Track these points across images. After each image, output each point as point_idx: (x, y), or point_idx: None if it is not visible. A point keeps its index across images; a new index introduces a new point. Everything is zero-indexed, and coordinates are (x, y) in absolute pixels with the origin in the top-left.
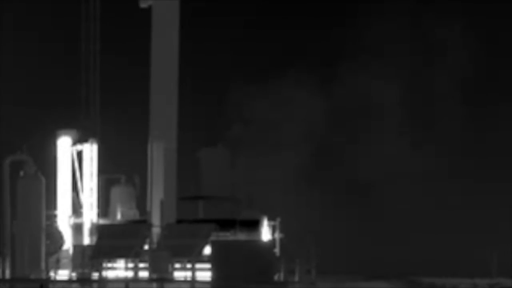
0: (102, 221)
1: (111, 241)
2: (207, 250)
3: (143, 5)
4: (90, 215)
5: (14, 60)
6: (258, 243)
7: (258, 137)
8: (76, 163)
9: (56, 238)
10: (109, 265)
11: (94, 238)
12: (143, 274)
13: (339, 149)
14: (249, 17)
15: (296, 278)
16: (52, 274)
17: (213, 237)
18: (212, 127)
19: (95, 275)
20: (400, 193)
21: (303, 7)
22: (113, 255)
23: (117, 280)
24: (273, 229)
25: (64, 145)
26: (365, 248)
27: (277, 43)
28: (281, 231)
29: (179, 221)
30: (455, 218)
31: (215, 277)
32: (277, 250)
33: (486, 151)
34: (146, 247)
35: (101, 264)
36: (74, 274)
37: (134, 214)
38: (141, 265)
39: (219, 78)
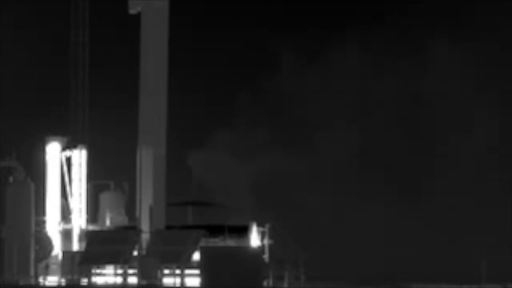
0: (91, 227)
1: (100, 247)
2: (196, 256)
3: (132, 11)
4: (79, 221)
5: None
6: (247, 249)
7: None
8: (65, 169)
9: (45, 244)
10: (98, 271)
11: (83, 244)
12: (132, 280)
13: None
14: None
15: (285, 284)
16: (41, 280)
17: (202, 243)
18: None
19: (84, 281)
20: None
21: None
22: (102, 261)
23: (106, 286)
24: (262, 235)
25: (53, 151)
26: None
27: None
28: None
29: (168, 227)
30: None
31: (204, 283)
32: (266, 256)
33: None
34: (135, 253)
35: (90, 270)
36: (63, 280)
37: (123, 220)
38: (130, 271)
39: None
